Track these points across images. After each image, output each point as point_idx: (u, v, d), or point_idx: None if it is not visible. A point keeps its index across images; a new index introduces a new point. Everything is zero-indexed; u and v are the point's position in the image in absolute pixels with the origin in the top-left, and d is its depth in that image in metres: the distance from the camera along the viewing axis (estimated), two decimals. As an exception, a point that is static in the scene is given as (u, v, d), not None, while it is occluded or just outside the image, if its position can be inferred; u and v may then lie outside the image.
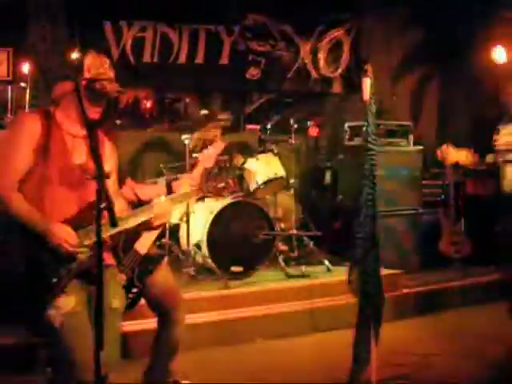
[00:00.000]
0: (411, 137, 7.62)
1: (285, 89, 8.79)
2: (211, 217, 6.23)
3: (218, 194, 4.39)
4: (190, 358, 5.15)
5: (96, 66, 3.36)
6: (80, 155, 3.36)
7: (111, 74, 3.44)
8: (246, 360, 5.25)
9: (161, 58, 8.05)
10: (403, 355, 5.10)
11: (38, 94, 7.05)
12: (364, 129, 4.35)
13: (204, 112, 7.38)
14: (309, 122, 8.56)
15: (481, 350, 5.16)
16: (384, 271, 5.39)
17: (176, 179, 5.16)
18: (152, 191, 4.41)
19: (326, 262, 6.69)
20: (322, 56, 8.89)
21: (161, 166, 6.87)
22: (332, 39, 8.96)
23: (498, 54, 8.45)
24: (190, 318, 5.52)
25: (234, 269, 6.23)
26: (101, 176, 2.87)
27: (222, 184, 4.15)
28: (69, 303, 3.15)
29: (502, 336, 4.71)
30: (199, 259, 6.38)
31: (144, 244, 4.17)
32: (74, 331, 3.12)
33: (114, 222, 2.82)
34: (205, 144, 6.53)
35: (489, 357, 4.92)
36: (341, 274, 5.71)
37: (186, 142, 6.40)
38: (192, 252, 6.32)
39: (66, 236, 3.14)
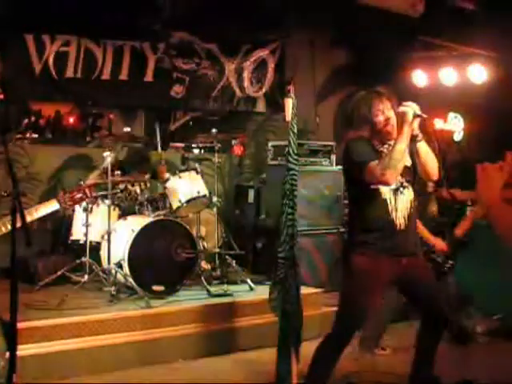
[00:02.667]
0: (334, 157, 7.74)
1: (209, 107, 8.79)
2: (133, 235, 6.15)
3: (75, 203, 4.43)
4: (110, 378, 5.11)
5: None
6: None
7: None
8: (168, 380, 5.19)
9: (84, 73, 7.93)
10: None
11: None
12: (286, 148, 4.41)
13: (127, 129, 7.31)
14: (233, 141, 8.59)
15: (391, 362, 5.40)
16: (304, 290, 5.44)
17: None
18: None
19: (249, 281, 6.70)
20: (246, 75, 8.94)
21: (81, 182, 6.76)
22: (257, 59, 9.03)
23: (419, 78, 8.70)
24: (111, 338, 5.49)
25: (156, 288, 6.16)
26: (17, 194, 2.80)
27: (80, 195, 4.22)
28: None
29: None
30: (120, 278, 6.28)
31: None
32: None
33: (28, 241, 2.76)
34: None
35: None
36: (263, 292, 5.70)
37: (108, 158, 6.34)
38: (113, 271, 6.23)
39: None
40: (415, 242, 4.30)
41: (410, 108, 4.01)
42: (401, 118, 4.01)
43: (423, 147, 4.14)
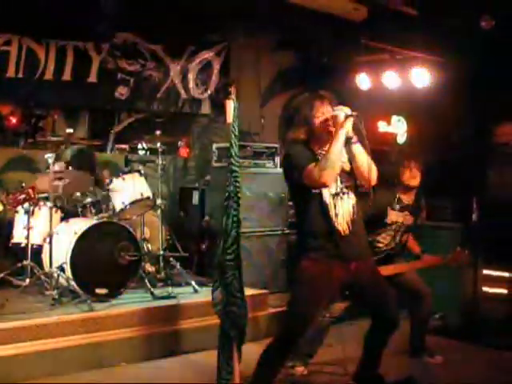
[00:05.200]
0: (278, 158, 7.77)
1: (154, 109, 8.75)
2: (75, 237, 6.08)
3: (18, 204, 4.43)
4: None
5: None
6: None
7: None
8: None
9: (26, 73, 7.78)
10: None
11: None
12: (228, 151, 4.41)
13: (70, 130, 7.21)
14: (179, 143, 8.56)
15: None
16: (250, 291, 5.46)
17: None
18: None
19: (193, 283, 6.69)
20: (191, 77, 8.93)
21: (23, 184, 6.64)
22: (202, 60, 9.02)
23: (362, 81, 8.78)
24: (53, 343, 5.42)
25: (99, 291, 6.10)
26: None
27: (23, 196, 4.21)
28: None
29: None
30: (63, 281, 6.19)
31: None
32: None
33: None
34: None
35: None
36: (207, 294, 5.67)
37: (50, 160, 6.25)
38: (55, 274, 6.14)
39: None
40: (363, 246, 4.35)
41: (341, 111, 4.09)
42: (334, 121, 4.08)
43: (358, 150, 4.19)
